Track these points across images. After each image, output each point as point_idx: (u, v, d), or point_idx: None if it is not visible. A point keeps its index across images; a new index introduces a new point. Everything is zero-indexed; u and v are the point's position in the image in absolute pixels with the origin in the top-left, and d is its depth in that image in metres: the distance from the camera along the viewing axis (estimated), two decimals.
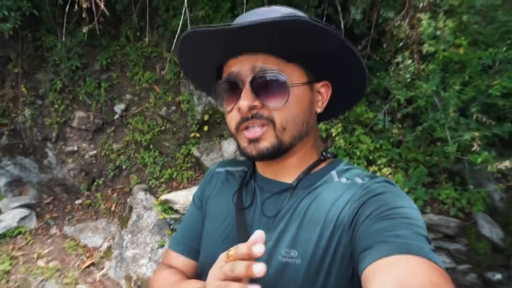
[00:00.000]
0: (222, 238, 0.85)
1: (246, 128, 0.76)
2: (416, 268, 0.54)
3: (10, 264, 2.86)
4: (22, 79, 3.71)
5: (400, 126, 3.51)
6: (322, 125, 3.64)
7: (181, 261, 0.95)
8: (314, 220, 0.74)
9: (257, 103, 0.75)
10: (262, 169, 0.87)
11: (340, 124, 3.53)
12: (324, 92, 0.84)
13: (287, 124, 0.76)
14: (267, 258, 0.75)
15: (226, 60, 0.79)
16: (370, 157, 3.54)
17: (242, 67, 0.75)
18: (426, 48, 2.92)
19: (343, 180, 0.78)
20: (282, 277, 0.73)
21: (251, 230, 0.80)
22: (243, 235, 0.80)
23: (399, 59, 3.17)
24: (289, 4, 3.72)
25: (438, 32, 2.97)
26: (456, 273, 2.97)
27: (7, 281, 2.76)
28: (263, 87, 0.74)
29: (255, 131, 0.75)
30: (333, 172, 0.81)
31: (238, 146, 0.81)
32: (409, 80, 3.11)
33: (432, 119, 2.97)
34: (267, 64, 0.74)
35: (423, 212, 3.00)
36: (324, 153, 0.85)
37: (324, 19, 3.52)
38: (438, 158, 3.21)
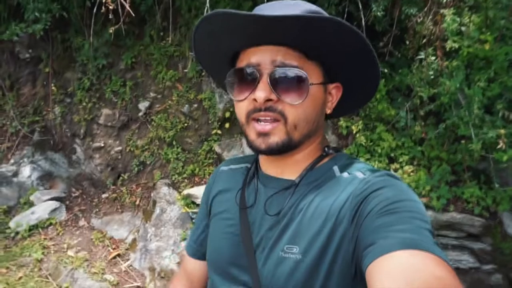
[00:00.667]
0: (226, 236, 0.86)
1: (257, 120, 0.75)
2: (420, 263, 0.54)
3: (43, 253, 3.01)
4: (52, 78, 3.88)
5: (423, 123, 3.47)
6: (342, 122, 3.64)
7: (193, 263, 1.01)
8: (315, 216, 0.74)
9: (274, 96, 0.73)
10: (266, 166, 0.87)
11: (361, 121, 3.51)
12: (334, 94, 0.83)
13: (299, 122, 0.75)
14: (268, 254, 0.77)
15: (245, 48, 0.77)
16: (392, 155, 3.50)
17: (263, 57, 0.73)
18: (449, 44, 2.87)
19: (345, 175, 0.78)
20: (283, 272, 0.73)
21: (254, 229, 0.82)
22: (247, 235, 0.81)
23: (422, 55, 3.13)
24: (310, 1, 3.73)
25: (462, 28, 2.91)
26: (480, 273, 2.91)
27: (40, 269, 2.91)
28: (282, 81, 0.73)
29: (265, 125, 0.74)
30: (335, 167, 0.80)
31: (246, 138, 0.79)
32: (432, 77, 3.06)
33: (455, 116, 2.92)
34: (287, 59, 0.73)
35: (446, 210, 2.96)
36: (326, 149, 0.84)
37: (345, 16, 3.51)
38: (462, 156, 3.16)
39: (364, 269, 0.59)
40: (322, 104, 0.80)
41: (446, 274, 0.53)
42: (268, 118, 0.74)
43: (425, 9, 3.05)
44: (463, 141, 3.13)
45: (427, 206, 2.99)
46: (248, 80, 0.75)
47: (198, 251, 1.00)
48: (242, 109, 0.77)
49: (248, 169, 0.93)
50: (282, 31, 0.69)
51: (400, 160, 3.45)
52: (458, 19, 2.85)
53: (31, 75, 3.98)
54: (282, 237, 0.76)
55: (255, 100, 0.73)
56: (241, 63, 0.77)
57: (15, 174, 3.56)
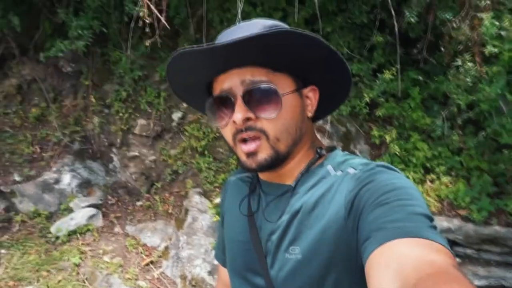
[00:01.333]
0: (239, 244, 0.90)
1: (243, 141, 0.78)
2: (410, 250, 0.54)
3: (80, 258, 3.13)
4: (92, 91, 4.08)
5: (460, 132, 3.33)
6: (375, 131, 3.56)
7: (226, 271, 1.04)
8: (313, 216, 0.76)
9: (251, 114, 0.76)
10: (264, 175, 0.89)
11: (394, 130, 3.43)
12: (312, 96, 0.85)
13: (281, 134, 0.77)
14: (273, 257, 0.80)
15: (215, 76, 0.80)
16: (428, 165, 3.38)
17: (232, 82, 0.76)
18: (489, 49, 2.76)
19: (339, 172, 0.79)
20: (288, 273, 0.76)
21: (261, 234, 0.85)
22: (256, 240, 0.85)
23: (459, 62, 3.02)
24: (341, 10, 3.72)
25: (502, 32, 2.80)
26: None
27: (77, 273, 3.02)
28: (255, 99, 0.75)
29: (250, 145, 0.77)
30: (329, 166, 0.82)
31: (238, 160, 0.83)
32: (470, 84, 2.95)
33: (497, 124, 2.79)
34: (256, 76, 0.75)
35: (488, 223, 2.80)
36: (318, 150, 0.85)
37: (377, 23, 3.46)
38: (505, 166, 2.99)
39: (364, 264, 0.61)
40: (300, 110, 0.82)
41: (438, 257, 0.52)
42: (251, 137, 0.76)
43: (461, 13, 2.95)
44: (505, 151, 2.97)
45: (467, 219, 2.85)
46: (225, 106, 0.78)
47: (223, 258, 1.06)
48: (227, 134, 0.81)
49: (251, 178, 0.97)
50: (242, 53, 0.72)
51: (437, 170, 3.32)
52: (497, 23, 2.75)
53: (72, 87, 4.21)
54: (283, 240, 0.79)
55: (234, 122, 0.76)
56: (215, 91, 0.81)
57: (57, 181, 3.75)
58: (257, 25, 0.79)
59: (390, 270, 0.52)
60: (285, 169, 0.83)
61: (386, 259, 0.55)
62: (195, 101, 0.94)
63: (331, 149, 0.87)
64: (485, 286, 2.66)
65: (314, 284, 0.73)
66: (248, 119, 0.75)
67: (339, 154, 0.85)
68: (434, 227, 0.60)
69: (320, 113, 0.89)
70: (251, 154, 0.77)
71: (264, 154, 0.77)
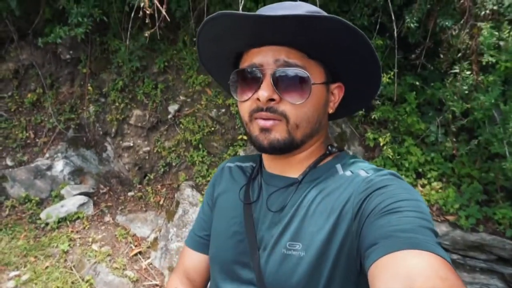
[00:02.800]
0: (230, 233, 0.86)
1: (260, 118, 0.76)
2: (423, 263, 0.53)
3: (69, 245, 3.13)
4: (89, 79, 4.06)
5: (454, 139, 3.36)
6: (370, 134, 3.58)
7: (195, 256, 0.99)
8: (318, 213, 0.74)
9: (276, 96, 0.73)
10: (269, 164, 0.87)
11: (388, 134, 3.44)
12: (337, 94, 0.84)
13: (301, 122, 0.75)
14: (270, 251, 0.77)
15: (248, 49, 0.78)
16: (420, 170, 3.41)
17: (265, 58, 0.74)
18: (486, 58, 2.78)
19: (348, 173, 0.78)
20: (286, 269, 0.73)
21: (257, 225, 0.82)
22: (251, 230, 0.82)
23: (456, 69, 3.04)
24: (343, 11, 3.72)
25: (501, 43, 2.81)
26: None
27: (65, 260, 3.02)
28: (285, 81, 0.73)
29: (267, 121, 0.75)
30: (338, 166, 0.81)
31: (250, 136, 0.80)
32: (466, 92, 2.97)
33: (489, 133, 2.81)
34: (291, 58, 0.73)
35: (475, 230, 2.83)
36: (329, 147, 0.84)
37: (378, 27, 3.47)
38: (495, 175, 3.02)
39: (366, 268, 0.60)
40: (324, 104, 0.80)
41: (449, 274, 0.52)
42: (271, 117, 0.75)
43: (462, 21, 2.97)
44: (497, 160, 3.00)
45: (455, 225, 2.88)
46: (251, 81, 0.76)
47: (201, 244, 0.99)
48: (245, 108, 0.78)
49: (253, 167, 0.94)
50: (284, 31, 0.70)
51: (429, 175, 3.35)
52: (496, 33, 2.76)
53: (70, 75, 4.19)
54: (284, 234, 0.76)
55: (258, 99, 0.74)
56: (244, 64, 0.78)
57: (49, 168, 3.74)
58: (301, 7, 0.76)
59: (398, 280, 0.52)
60: (294, 159, 0.82)
61: (394, 268, 0.54)
62: (219, 72, 0.91)
63: (340, 149, 0.86)
64: None
65: (312, 282, 0.71)
66: (272, 99, 0.73)
67: (348, 156, 0.85)
68: (440, 244, 0.60)
69: (341, 112, 0.87)
70: (265, 130, 0.75)
71: (278, 135, 0.75)
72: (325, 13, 0.79)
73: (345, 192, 0.73)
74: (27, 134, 3.92)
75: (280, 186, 0.82)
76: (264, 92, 0.72)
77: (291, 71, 0.73)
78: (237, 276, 0.82)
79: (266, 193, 0.84)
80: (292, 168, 0.83)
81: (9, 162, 3.73)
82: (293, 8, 0.75)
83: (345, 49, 0.75)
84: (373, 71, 0.80)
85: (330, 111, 0.83)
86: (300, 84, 0.73)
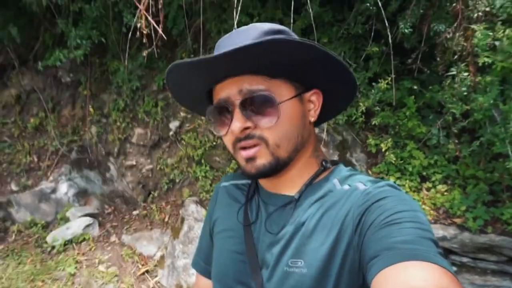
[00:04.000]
0: (232, 255, 0.86)
1: (243, 148, 0.77)
2: (425, 274, 0.53)
3: (75, 268, 3.12)
4: (90, 100, 4.12)
5: (456, 141, 3.35)
6: (371, 140, 3.57)
7: (204, 282, 1.01)
8: (318, 229, 0.74)
9: (249, 123, 0.75)
10: (264, 183, 0.88)
11: (390, 139, 3.44)
12: (315, 100, 0.83)
13: (280, 141, 0.76)
14: (272, 270, 0.77)
15: (213, 85, 0.80)
16: (424, 173, 3.39)
17: (230, 91, 0.76)
18: (482, 59, 2.79)
19: (346, 187, 0.78)
20: (288, 286, 0.73)
21: (258, 245, 0.82)
22: (252, 252, 0.82)
23: (454, 71, 3.06)
24: (337, 21, 3.77)
25: (496, 43, 2.83)
26: None
27: (73, 283, 3.01)
28: (253, 108, 0.75)
29: (249, 151, 0.76)
30: (335, 180, 0.80)
31: (239, 166, 0.82)
32: (465, 93, 2.97)
33: (490, 133, 2.81)
34: (253, 85, 0.74)
35: (483, 232, 2.80)
36: (324, 163, 0.84)
37: (373, 34, 3.51)
38: (500, 175, 3.00)
39: (369, 281, 0.59)
40: (301, 116, 0.80)
41: (450, 284, 0.52)
42: (250, 146, 0.76)
43: (455, 24, 3.00)
44: (500, 159, 2.98)
45: (463, 228, 2.85)
46: (223, 115, 0.78)
47: (209, 270, 0.99)
48: (227, 142, 0.81)
49: (249, 185, 0.94)
50: (236, 63, 0.71)
51: (433, 179, 3.33)
52: (491, 34, 2.78)
53: (71, 97, 4.24)
54: (285, 252, 0.76)
55: (233, 131, 0.76)
56: (215, 100, 0.80)
57: (53, 191, 3.76)
58: (254, 31, 0.77)
59: None
60: (286, 177, 0.82)
61: (396, 281, 0.54)
62: (199, 108, 0.93)
63: (334, 163, 0.86)
64: None
65: None
66: (246, 128, 0.75)
67: (344, 169, 0.84)
68: (441, 253, 0.60)
69: (328, 115, 0.88)
70: (250, 160, 0.77)
71: (263, 160, 0.76)
72: (283, 28, 0.81)
73: (344, 206, 0.73)
74: (31, 159, 3.95)
75: (278, 205, 0.82)
76: (237, 123, 0.74)
77: (256, 97, 0.74)
78: None
79: (265, 212, 0.84)
80: (287, 185, 0.83)
81: (13, 187, 3.75)
82: (246, 34, 0.77)
83: (303, 62, 0.76)
84: (340, 71, 0.80)
85: (312, 119, 0.83)
86: (268, 106, 0.74)
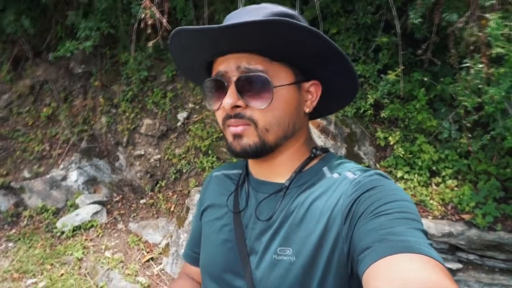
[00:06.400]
0: (220, 241, 0.86)
1: (231, 125, 0.77)
2: (417, 267, 0.53)
3: (83, 253, 3.20)
4: (100, 91, 4.19)
5: (469, 135, 3.24)
6: (380, 133, 3.51)
7: (191, 269, 1.03)
8: (307, 217, 0.73)
9: (241, 102, 0.74)
10: (255, 170, 0.87)
11: (398, 132, 3.37)
12: (313, 92, 0.82)
13: (271, 125, 0.75)
14: (260, 258, 0.76)
15: (214, 58, 0.79)
16: (434, 168, 3.30)
17: (229, 66, 0.75)
18: (495, 50, 2.68)
19: (335, 175, 0.77)
20: (276, 274, 0.72)
21: (247, 233, 0.82)
22: (240, 239, 0.82)
23: (468, 63, 2.95)
24: (346, 11, 3.69)
25: None
26: None
27: (80, 267, 3.09)
28: (247, 87, 0.73)
29: (237, 128, 0.76)
30: (325, 168, 0.80)
31: (226, 142, 0.81)
32: (480, 85, 2.87)
33: (502, 127, 2.70)
34: (252, 64, 0.73)
35: (492, 229, 2.71)
36: (314, 150, 0.83)
37: (382, 24, 3.42)
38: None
39: (360, 274, 0.59)
40: (296, 104, 0.79)
41: (443, 277, 0.52)
42: (240, 124, 0.75)
43: (468, 13, 2.88)
44: None
45: (471, 224, 2.77)
46: (219, 89, 0.77)
47: (193, 257, 1.01)
48: (218, 116, 0.80)
49: (240, 174, 0.93)
50: (240, 38, 0.70)
51: (443, 173, 3.24)
52: (507, 23, 2.66)
53: (82, 88, 4.34)
54: (274, 240, 0.76)
55: (224, 107, 0.75)
56: (213, 72, 0.79)
57: (64, 178, 3.86)
58: (264, 10, 0.76)
59: (394, 285, 0.51)
60: (275, 163, 0.81)
61: (389, 273, 0.54)
62: (199, 79, 0.91)
63: (325, 150, 0.85)
64: None
65: (303, 287, 0.70)
66: (237, 106, 0.74)
67: (334, 157, 0.83)
68: (431, 244, 0.59)
69: (323, 110, 0.86)
70: (237, 136, 0.76)
71: (249, 140, 0.75)
72: (294, 13, 0.79)
73: (334, 195, 0.73)
74: (43, 147, 4.07)
75: (268, 192, 0.81)
76: (228, 99, 0.73)
77: (252, 76, 0.73)
78: (228, 284, 0.81)
79: (255, 200, 0.83)
80: (277, 172, 0.82)
81: (26, 174, 3.88)
82: (255, 12, 0.75)
83: (306, 51, 0.74)
84: (342, 67, 0.79)
85: (307, 110, 0.81)
86: (261, 88, 0.73)
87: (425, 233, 0.62)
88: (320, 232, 0.70)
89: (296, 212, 0.75)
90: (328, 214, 0.70)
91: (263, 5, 0.79)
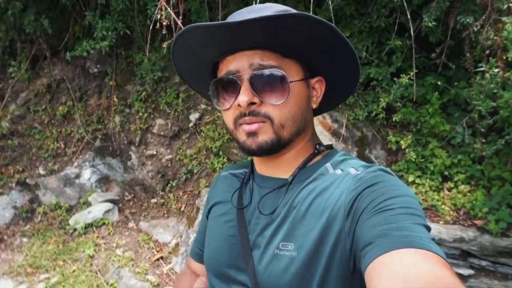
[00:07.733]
0: (225, 237, 0.87)
1: (244, 123, 0.76)
2: (420, 262, 0.53)
3: (94, 250, 3.25)
4: (115, 91, 4.26)
5: (483, 140, 3.20)
6: (392, 137, 3.48)
7: (195, 265, 1.05)
8: (310, 212, 0.73)
9: (256, 99, 0.74)
10: (259, 167, 0.88)
11: (410, 136, 3.34)
12: (318, 88, 0.83)
13: (286, 121, 0.75)
14: (263, 252, 0.77)
15: (222, 57, 0.78)
16: (446, 173, 3.27)
17: (240, 64, 0.74)
18: (511, 54, 2.65)
19: (338, 171, 0.77)
20: (278, 269, 0.73)
21: (250, 228, 0.82)
22: (243, 234, 0.82)
23: (483, 67, 2.91)
24: (360, 14, 3.68)
25: None
26: None
27: (91, 264, 3.14)
28: (262, 84, 0.73)
29: (252, 125, 0.75)
30: (328, 164, 0.80)
31: (238, 142, 0.80)
32: (495, 90, 2.83)
33: None
34: (265, 60, 0.73)
35: (506, 235, 2.67)
36: (318, 146, 0.84)
37: (396, 27, 3.41)
38: None
39: (363, 269, 0.59)
40: (306, 100, 0.80)
41: (446, 272, 0.52)
42: (255, 121, 0.75)
43: (483, 17, 2.85)
44: None
45: (483, 230, 2.73)
46: (230, 88, 0.76)
47: (199, 255, 1.03)
48: (229, 116, 0.79)
49: (246, 173, 0.94)
50: (253, 35, 0.70)
51: (456, 179, 3.21)
52: None
53: (97, 87, 4.41)
54: (276, 234, 0.76)
55: (239, 105, 0.74)
56: (221, 72, 0.79)
57: (77, 176, 3.93)
58: (269, 9, 0.76)
59: (394, 280, 0.51)
60: (283, 159, 0.82)
61: (391, 268, 0.53)
62: (198, 83, 0.92)
63: (328, 147, 0.86)
64: None
65: (305, 282, 0.70)
66: (252, 103, 0.74)
67: (337, 153, 0.84)
68: (434, 239, 0.59)
69: (324, 107, 0.87)
70: (251, 134, 0.75)
71: (265, 137, 0.75)
72: (294, 11, 0.78)
73: (336, 191, 0.73)
74: (58, 145, 4.15)
75: (271, 187, 0.82)
76: (244, 97, 0.73)
77: (267, 73, 0.73)
78: (231, 279, 0.82)
79: (258, 195, 0.84)
80: (281, 168, 0.83)
81: (41, 171, 3.95)
82: (261, 11, 0.75)
83: (316, 45, 0.75)
84: (351, 66, 0.80)
85: (314, 106, 0.83)
86: (278, 84, 0.73)
87: (428, 228, 0.61)
88: (322, 227, 0.70)
89: (299, 207, 0.75)
90: (330, 210, 0.70)
91: (267, 4, 0.79)
